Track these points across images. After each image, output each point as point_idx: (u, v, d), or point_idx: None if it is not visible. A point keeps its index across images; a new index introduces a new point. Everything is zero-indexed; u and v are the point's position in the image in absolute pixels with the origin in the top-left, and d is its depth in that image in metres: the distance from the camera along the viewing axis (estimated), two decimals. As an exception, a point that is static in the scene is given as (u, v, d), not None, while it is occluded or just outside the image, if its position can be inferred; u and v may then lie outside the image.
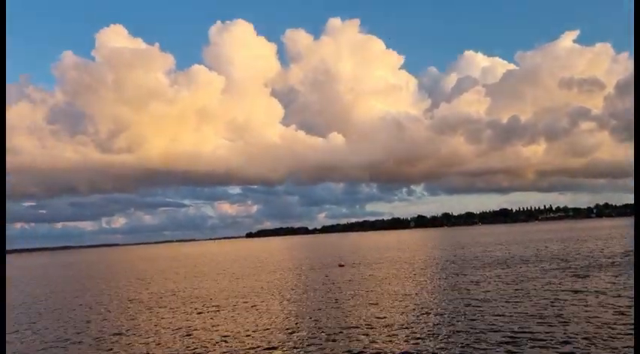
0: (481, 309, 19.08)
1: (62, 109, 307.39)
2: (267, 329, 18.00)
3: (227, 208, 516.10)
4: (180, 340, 17.01)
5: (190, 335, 17.73)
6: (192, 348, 15.85)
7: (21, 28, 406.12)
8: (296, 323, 18.80)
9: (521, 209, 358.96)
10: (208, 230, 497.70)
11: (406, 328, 16.68)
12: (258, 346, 15.53)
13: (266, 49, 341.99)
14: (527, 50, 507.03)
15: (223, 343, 16.21)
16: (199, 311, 23.04)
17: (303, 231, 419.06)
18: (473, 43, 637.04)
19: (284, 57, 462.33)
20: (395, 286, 27.81)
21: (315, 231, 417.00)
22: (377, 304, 21.91)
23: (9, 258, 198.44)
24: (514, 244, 63.81)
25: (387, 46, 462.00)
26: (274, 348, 15.27)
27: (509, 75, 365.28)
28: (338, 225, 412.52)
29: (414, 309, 20.06)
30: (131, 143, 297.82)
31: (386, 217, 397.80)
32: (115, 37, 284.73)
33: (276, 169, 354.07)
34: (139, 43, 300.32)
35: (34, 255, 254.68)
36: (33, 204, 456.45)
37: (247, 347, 15.52)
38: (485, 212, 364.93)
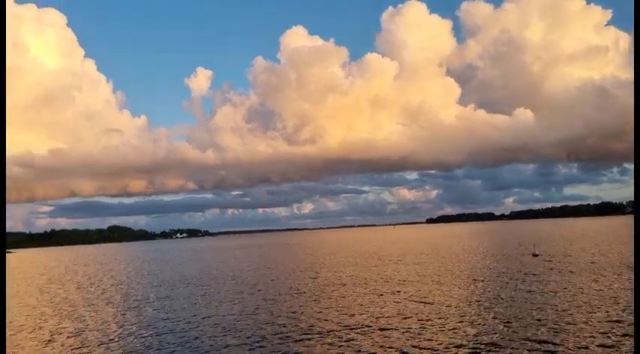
0: None
1: (256, 109, 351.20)
2: (444, 317, 16.79)
3: (405, 194, 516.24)
4: (344, 319, 17.15)
5: (355, 315, 17.74)
6: (362, 327, 15.77)
7: (222, 41, 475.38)
8: (476, 313, 17.10)
9: None
10: (388, 216, 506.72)
11: (603, 337, 13.44)
12: (428, 333, 14.52)
13: (440, 26, 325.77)
14: None
15: (396, 327, 15.70)
16: (380, 294, 23.09)
17: (489, 217, 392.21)
18: None
19: (459, 33, 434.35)
20: (601, 283, 23.16)
21: (502, 217, 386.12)
22: (572, 301, 18.48)
23: (226, 239, 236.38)
24: None
25: (588, 1, 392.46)
26: (446, 335, 14.03)
27: None
28: (530, 210, 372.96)
29: (619, 316, 16.18)
30: (313, 135, 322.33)
31: (592, 201, 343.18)
32: (297, 38, 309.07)
33: (455, 152, 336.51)
34: (317, 41, 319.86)
35: (242, 237, 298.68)
36: (240, 193, 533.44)
37: (416, 328, 14.68)
38: None
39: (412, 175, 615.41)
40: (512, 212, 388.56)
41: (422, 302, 20.30)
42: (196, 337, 16.49)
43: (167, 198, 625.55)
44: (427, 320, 16.79)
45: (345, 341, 14.80)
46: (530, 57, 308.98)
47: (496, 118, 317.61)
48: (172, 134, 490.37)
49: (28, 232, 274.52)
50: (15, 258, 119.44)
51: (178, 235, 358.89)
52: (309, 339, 15.32)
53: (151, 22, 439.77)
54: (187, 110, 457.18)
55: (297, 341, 15.15)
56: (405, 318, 17.39)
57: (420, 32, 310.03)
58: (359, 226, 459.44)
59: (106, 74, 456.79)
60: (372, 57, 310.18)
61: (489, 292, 22.10)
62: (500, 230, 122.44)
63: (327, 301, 22.17)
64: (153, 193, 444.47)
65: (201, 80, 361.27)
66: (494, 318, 16.55)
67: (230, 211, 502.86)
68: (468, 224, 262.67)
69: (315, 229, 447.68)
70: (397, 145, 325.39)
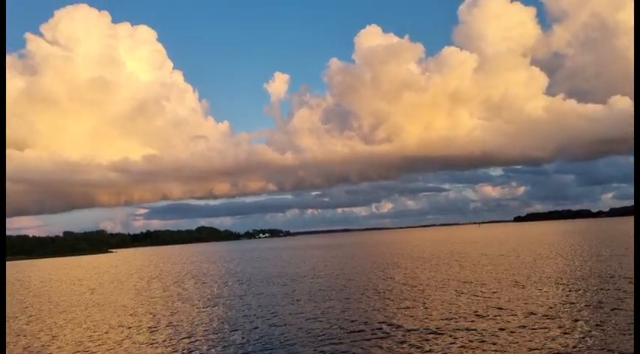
0: None
1: (332, 110, 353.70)
2: (524, 319, 15.73)
3: (489, 191, 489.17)
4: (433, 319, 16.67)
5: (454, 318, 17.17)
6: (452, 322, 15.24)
7: (298, 45, 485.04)
8: (560, 318, 15.83)
9: None
10: (471, 214, 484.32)
11: None
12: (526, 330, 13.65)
13: (522, 14, 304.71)
14: None
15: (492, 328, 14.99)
16: (457, 296, 22.29)
17: (585, 214, 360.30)
18: None
19: (544, 20, 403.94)
20: None
21: (600, 214, 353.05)
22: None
23: (306, 239, 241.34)
24: None
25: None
26: (524, 340, 13.10)
27: None
28: (633, 206, 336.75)
29: None
30: (390, 133, 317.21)
31: None
32: (371, 37, 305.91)
33: (543, 146, 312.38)
34: (391, 38, 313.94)
35: (322, 236, 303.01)
36: (319, 193, 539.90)
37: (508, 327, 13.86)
38: None
39: (496, 172, 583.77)
40: (611, 209, 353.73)
41: (500, 307, 19.22)
42: (274, 335, 17.02)
43: (249, 199, 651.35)
44: (503, 325, 15.89)
45: (417, 343, 14.53)
46: (626, 41, 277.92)
47: (589, 107, 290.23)
48: (253, 138, 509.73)
49: (127, 233, 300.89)
50: (116, 256, 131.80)
51: (261, 235, 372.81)
52: (381, 339, 15.22)
53: (230, 33, 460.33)
54: (267, 114, 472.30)
55: (369, 341, 15.10)
56: (481, 322, 16.61)
57: (501, 22, 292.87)
58: (440, 225, 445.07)
59: (192, 84, 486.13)
60: (449, 51, 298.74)
61: (579, 296, 20.34)
62: (598, 228, 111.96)
63: (401, 301, 21.81)
64: (236, 194, 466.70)
65: (278, 84, 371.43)
66: (584, 325, 15.24)
67: (310, 211, 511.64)
68: (561, 222, 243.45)
69: (395, 228, 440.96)
70: (479, 140, 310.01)
